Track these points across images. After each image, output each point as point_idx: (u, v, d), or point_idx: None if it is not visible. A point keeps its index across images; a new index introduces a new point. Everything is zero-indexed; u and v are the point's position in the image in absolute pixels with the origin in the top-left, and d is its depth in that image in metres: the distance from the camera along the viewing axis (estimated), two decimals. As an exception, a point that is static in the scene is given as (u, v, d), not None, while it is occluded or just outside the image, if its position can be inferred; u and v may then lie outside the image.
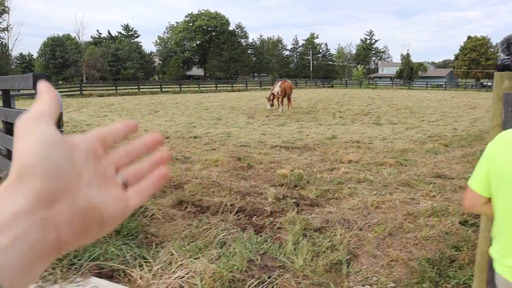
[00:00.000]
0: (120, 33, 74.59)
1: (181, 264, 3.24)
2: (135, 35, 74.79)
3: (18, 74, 3.70)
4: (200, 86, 44.80)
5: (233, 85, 48.10)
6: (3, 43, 57.45)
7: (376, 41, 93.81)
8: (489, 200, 1.48)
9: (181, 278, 3.02)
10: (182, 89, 40.25)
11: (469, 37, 62.77)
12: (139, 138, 0.45)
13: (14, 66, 61.78)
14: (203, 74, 79.83)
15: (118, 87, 36.87)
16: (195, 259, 3.34)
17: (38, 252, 0.32)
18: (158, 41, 78.81)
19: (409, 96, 29.96)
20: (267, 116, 14.48)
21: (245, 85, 49.30)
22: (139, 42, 71.82)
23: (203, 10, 78.25)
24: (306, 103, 21.38)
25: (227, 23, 78.82)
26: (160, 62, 73.01)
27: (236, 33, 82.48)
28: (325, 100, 24.77)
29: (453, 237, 3.74)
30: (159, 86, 40.78)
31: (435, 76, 64.19)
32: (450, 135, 9.95)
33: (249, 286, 2.94)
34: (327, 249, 3.57)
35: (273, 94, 16.75)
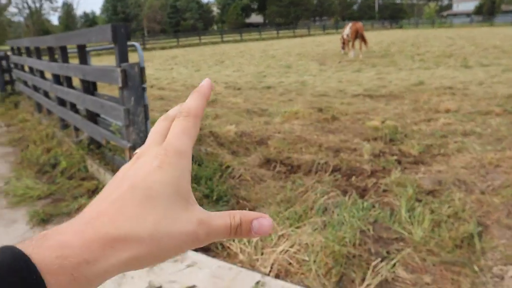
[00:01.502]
0: (178, -17, 73.86)
1: (281, 235, 2.90)
2: (193, -16, 73.68)
3: (93, 27, 3.38)
4: (261, 33, 43.69)
5: (295, 31, 46.39)
6: (68, 2, 59.21)
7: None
8: None
9: (286, 252, 2.67)
10: (243, 38, 39.51)
11: None
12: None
13: (80, 25, 63.86)
14: (262, 21, 77.84)
15: (180, 39, 36.96)
16: (296, 228, 2.99)
17: None
18: (217, -11, 77.21)
19: (494, 34, 26.98)
20: (339, 62, 13.58)
21: (307, 30, 47.42)
22: (197, -9, 70.82)
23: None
24: (377, 47, 19.91)
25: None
26: (219, 11, 71.88)
27: (296, -26, 78.47)
28: (398, 42, 22.97)
29: None
30: (220, 36, 40.36)
31: (522, 9, 57.32)
32: (560, 77, 8.61)
33: (367, 263, 2.53)
34: (449, 218, 3.05)
35: (343, 37, 15.70)
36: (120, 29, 2.90)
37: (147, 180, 0.35)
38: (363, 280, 2.38)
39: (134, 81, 2.95)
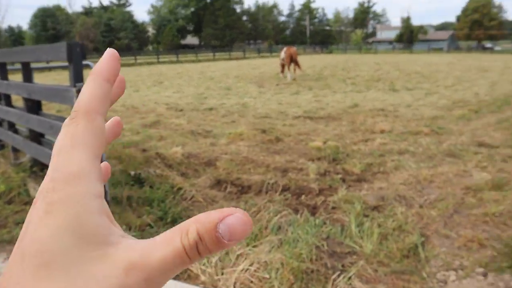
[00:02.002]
0: (111, 2, 72.46)
1: (240, 254, 2.94)
2: (127, 4, 72.66)
3: (43, 44, 3.28)
4: (198, 55, 43.87)
5: (231, 54, 47.15)
6: (-8, 16, 55.76)
7: (374, 4, 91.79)
8: None
9: (247, 271, 2.72)
10: (179, 59, 39.40)
11: (471, -2, 61.31)
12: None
13: (4, 39, 60.19)
14: (198, 43, 78.23)
15: (115, 59, 35.95)
16: (253, 247, 3.05)
17: None
18: (152, 9, 76.75)
19: (414, 60, 29.36)
20: (277, 85, 14.02)
21: (242, 53, 48.36)
22: (132, 11, 69.92)
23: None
24: (311, 70, 20.83)
25: (221, -12, 76.57)
26: (154, 31, 71.26)
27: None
28: (330, 66, 24.20)
29: (529, 213, 3.44)
30: (156, 57, 39.96)
31: (436, 39, 63.10)
32: (474, 100, 9.58)
33: (325, 277, 2.65)
34: (394, 231, 3.28)
35: (280, 61, 16.32)
36: (75, 48, 2.85)
37: (35, 241, 0.24)
38: (323, 294, 2.49)
39: (88, 103, 2.89)
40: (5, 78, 4.09)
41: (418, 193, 4.08)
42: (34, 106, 3.89)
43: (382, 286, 2.57)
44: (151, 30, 72.45)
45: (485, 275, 2.68)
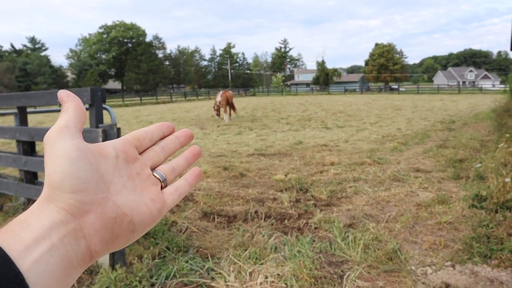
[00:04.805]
0: (25, 46, 69.32)
1: (251, 272, 3.36)
2: (43, 48, 69.98)
3: (55, 89, 3.60)
4: (124, 99, 43.31)
5: (158, 98, 47.17)
6: None
7: (290, 49, 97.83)
8: None
9: (267, 283, 3.14)
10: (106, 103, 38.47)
11: (376, 44, 68.44)
12: (172, 133, 0.49)
13: None
14: (120, 87, 76.97)
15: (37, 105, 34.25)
16: (260, 264, 3.48)
17: (73, 260, 0.34)
18: (71, 54, 74.55)
19: (335, 101, 31.81)
20: (218, 126, 14.60)
21: (169, 97, 48.60)
22: (49, 56, 67.35)
23: (118, 21, 75.65)
24: (243, 112, 21.78)
25: (143, 34, 77.20)
26: (74, 76, 69.05)
27: (154, 44, 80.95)
28: (259, 108, 25.41)
29: (471, 218, 4.28)
30: (80, 102, 38.65)
31: (349, 81, 68.73)
32: (399, 135, 10.93)
33: (332, 280, 3.16)
34: (373, 241, 3.90)
35: (216, 104, 16.98)
36: (97, 92, 3.21)
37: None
38: (338, 291, 2.99)
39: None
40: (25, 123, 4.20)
41: (381, 211, 4.80)
42: (29, 149, 4.06)
43: (380, 282, 3.14)
44: (70, 75, 70.12)
45: (453, 266, 3.38)
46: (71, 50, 74.64)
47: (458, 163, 6.88)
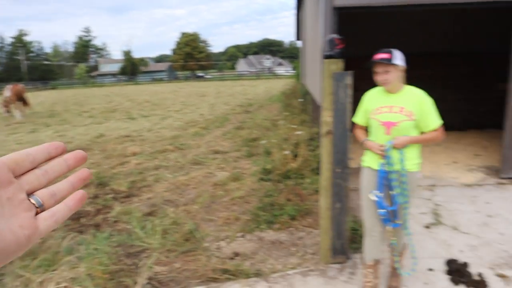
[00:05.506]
0: None
1: (41, 282, 3.06)
2: None
3: None
4: None
5: None
6: None
7: (94, 37, 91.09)
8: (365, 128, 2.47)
9: (59, 288, 2.90)
10: None
11: (183, 33, 69.25)
12: (61, 156, 0.44)
13: None
14: None
15: None
16: (53, 271, 3.20)
17: None
18: None
19: (141, 90, 31.16)
20: (8, 125, 12.67)
21: None
22: None
23: None
24: (40, 107, 19.41)
25: None
26: None
27: None
28: (60, 102, 23.07)
29: (260, 191, 4.78)
30: None
31: (156, 71, 68.20)
32: (201, 120, 11.42)
33: (130, 271, 3.11)
34: (172, 225, 4.00)
35: (5, 100, 14.79)
36: None
37: None
38: (135, 283, 2.96)
39: None
40: None
41: (180, 196, 4.95)
42: None
43: (177, 264, 3.24)
44: None
45: (243, 236, 3.73)
46: None
47: (251, 142, 7.57)
